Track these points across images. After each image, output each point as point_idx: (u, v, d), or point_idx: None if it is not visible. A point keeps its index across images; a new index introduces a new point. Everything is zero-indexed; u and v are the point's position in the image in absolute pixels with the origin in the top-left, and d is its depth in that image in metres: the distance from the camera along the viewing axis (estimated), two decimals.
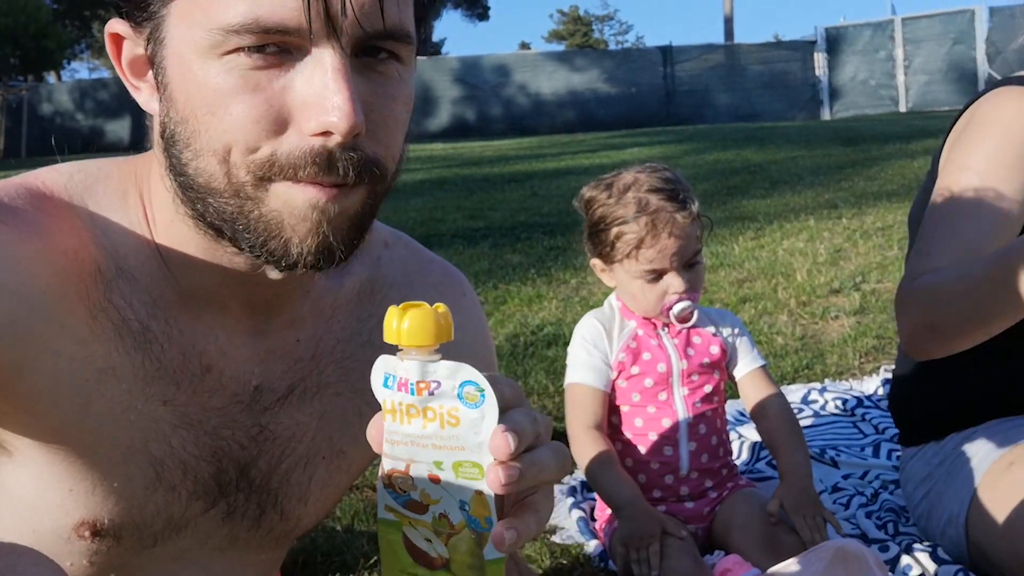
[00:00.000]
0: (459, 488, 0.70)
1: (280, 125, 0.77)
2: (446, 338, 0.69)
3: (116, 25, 0.83)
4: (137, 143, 20.70)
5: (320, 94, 0.75)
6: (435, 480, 0.71)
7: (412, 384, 0.69)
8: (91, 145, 19.57)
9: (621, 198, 1.75)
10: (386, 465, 0.72)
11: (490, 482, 0.68)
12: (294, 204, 0.78)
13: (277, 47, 0.75)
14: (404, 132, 0.84)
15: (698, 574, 1.61)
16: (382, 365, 0.71)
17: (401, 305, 0.70)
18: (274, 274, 0.87)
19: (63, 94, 22.61)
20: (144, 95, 0.84)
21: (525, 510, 0.72)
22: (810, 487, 1.70)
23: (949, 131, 1.63)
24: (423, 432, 0.70)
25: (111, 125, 21.71)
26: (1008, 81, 1.58)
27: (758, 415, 1.84)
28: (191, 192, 0.81)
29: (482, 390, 0.68)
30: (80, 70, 51.89)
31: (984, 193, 1.43)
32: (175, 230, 0.86)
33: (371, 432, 0.72)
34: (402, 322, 0.69)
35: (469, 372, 0.69)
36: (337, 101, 0.74)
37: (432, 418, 0.69)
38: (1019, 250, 1.23)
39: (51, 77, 32.31)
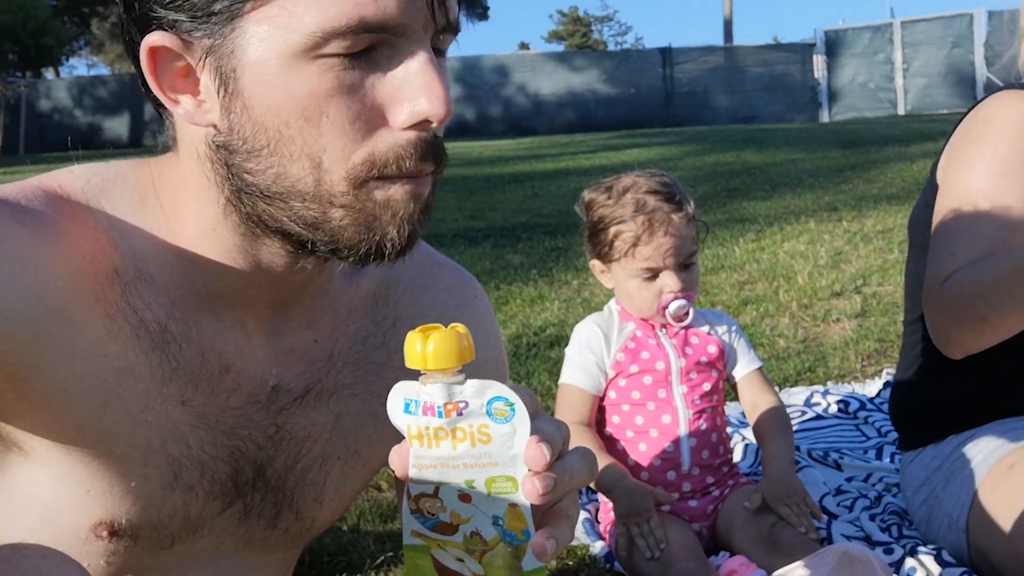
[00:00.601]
0: (492, 504, 0.70)
1: (374, 123, 0.79)
2: (469, 358, 0.69)
3: (157, 39, 0.79)
4: (136, 140, 20.75)
5: (416, 85, 0.78)
6: (465, 499, 0.71)
7: (439, 407, 0.69)
8: (89, 142, 19.57)
9: (620, 199, 1.80)
10: (413, 491, 0.72)
11: (527, 493, 0.69)
12: (394, 199, 0.81)
13: (369, 45, 0.77)
14: None
15: (704, 575, 1.62)
16: (401, 392, 0.71)
17: (419, 329, 0.70)
18: (308, 265, 0.88)
19: (61, 91, 22.57)
20: (186, 107, 0.82)
21: (558, 518, 0.72)
22: (789, 476, 1.74)
23: (949, 137, 1.64)
24: (453, 453, 0.70)
25: (109, 122, 21.70)
26: (1008, 87, 1.59)
27: (753, 415, 1.87)
28: (259, 198, 0.81)
29: (512, 404, 0.69)
30: (79, 67, 51.82)
31: (997, 191, 1.44)
32: (213, 236, 0.86)
33: (395, 460, 0.72)
34: (426, 346, 0.68)
35: (497, 388, 0.69)
36: (436, 91, 0.78)
37: (462, 438, 0.69)
38: None
39: (49, 74, 32.28)
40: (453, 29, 0.82)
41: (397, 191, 0.81)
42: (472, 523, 0.71)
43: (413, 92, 0.78)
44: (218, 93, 0.80)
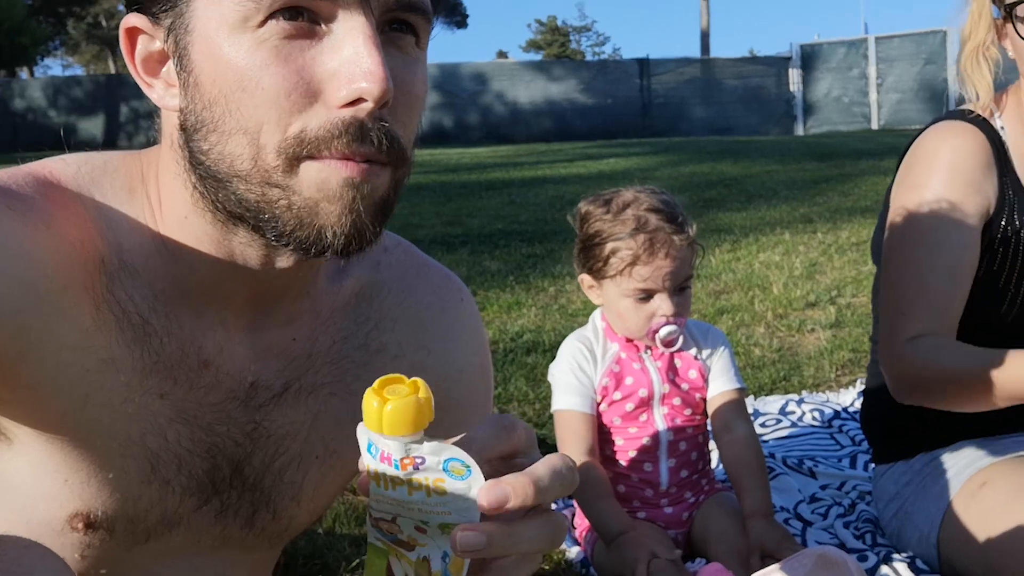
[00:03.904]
0: (444, 541, 0.70)
1: (310, 97, 0.76)
2: (428, 421, 0.67)
3: (133, 20, 0.82)
4: (111, 141, 20.54)
5: (352, 61, 0.75)
6: (421, 530, 0.70)
7: (396, 460, 0.68)
8: (64, 143, 19.39)
9: (620, 214, 1.74)
10: (373, 514, 0.72)
11: (451, 541, 0.67)
12: (329, 185, 0.77)
13: (309, 15, 0.76)
14: (420, 116, 0.84)
15: None
16: (364, 433, 0.70)
17: (378, 382, 0.68)
18: (284, 263, 0.86)
19: (36, 90, 22.33)
20: (158, 91, 0.84)
21: (487, 573, 0.72)
22: (776, 523, 1.72)
23: (898, 166, 1.64)
24: (409, 499, 0.69)
25: (84, 123, 21.49)
26: (949, 115, 1.60)
27: (723, 439, 1.82)
28: (212, 181, 0.81)
29: (468, 466, 0.67)
30: (53, 67, 51.38)
31: (937, 240, 1.49)
32: (186, 225, 0.86)
33: (360, 480, 0.72)
34: (383, 410, 0.67)
35: (453, 451, 0.67)
36: (369, 66, 0.74)
37: (418, 487, 0.68)
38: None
39: (24, 73, 32.00)
40: (417, 9, 0.79)
41: (331, 175, 0.77)
42: (426, 549, 0.71)
43: (348, 68, 0.75)
44: (177, 71, 0.81)
